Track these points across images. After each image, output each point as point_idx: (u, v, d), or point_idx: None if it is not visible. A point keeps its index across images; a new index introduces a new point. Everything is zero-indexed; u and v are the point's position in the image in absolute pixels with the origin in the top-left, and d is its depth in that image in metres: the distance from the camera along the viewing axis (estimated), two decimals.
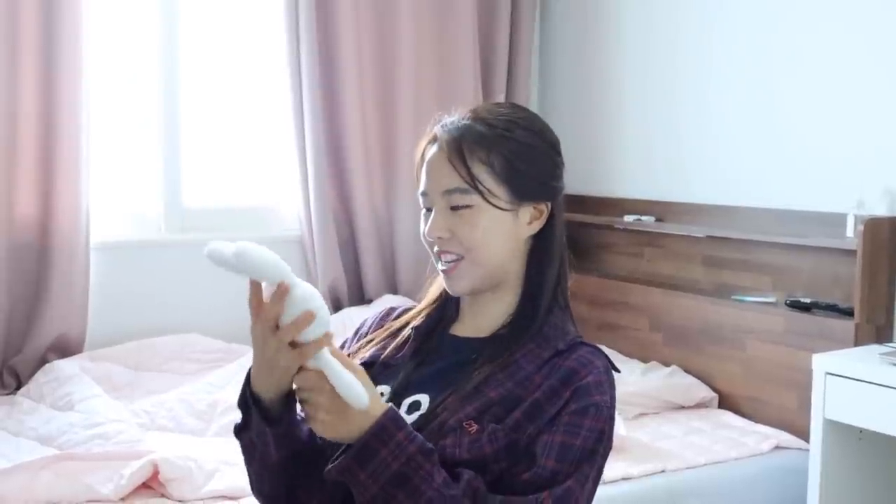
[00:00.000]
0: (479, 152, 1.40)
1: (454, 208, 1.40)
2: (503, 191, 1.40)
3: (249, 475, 1.44)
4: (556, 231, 1.46)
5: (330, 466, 1.28)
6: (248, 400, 1.34)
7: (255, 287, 1.26)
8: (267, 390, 1.32)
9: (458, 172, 1.39)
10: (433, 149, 1.44)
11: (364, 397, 1.25)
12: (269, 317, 1.24)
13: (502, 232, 1.41)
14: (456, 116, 1.45)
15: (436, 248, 1.44)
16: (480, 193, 1.39)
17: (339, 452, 1.29)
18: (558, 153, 1.48)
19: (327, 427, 1.26)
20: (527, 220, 1.44)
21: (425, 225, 1.44)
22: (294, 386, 1.30)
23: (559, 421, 1.32)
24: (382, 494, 1.25)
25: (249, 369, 1.33)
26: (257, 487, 1.45)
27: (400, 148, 4.11)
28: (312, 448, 1.38)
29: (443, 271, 1.44)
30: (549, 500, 1.28)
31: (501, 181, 1.40)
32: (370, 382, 1.30)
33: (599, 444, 1.35)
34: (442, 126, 1.44)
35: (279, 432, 1.34)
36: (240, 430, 1.39)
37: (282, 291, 1.23)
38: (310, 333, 1.25)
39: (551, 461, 1.30)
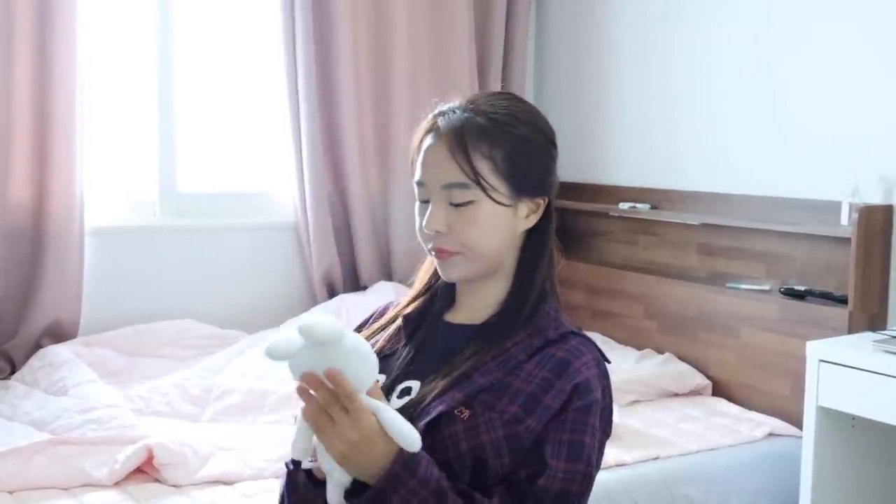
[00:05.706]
0: (481, 146, 1.37)
1: (454, 204, 1.38)
2: (504, 186, 1.38)
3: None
4: (551, 225, 1.46)
5: None
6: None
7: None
8: None
9: (461, 167, 1.36)
10: (431, 139, 1.40)
11: (418, 441, 1.24)
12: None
13: (500, 227, 1.39)
14: (454, 105, 1.42)
15: (430, 244, 1.41)
16: (482, 188, 1.36)
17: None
18: (555, 147, 1.46)
19: (341, 455, 1.24)
20: (525, 215, 1.42)
21: (422, 218, 1.41)
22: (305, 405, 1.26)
23: (565, 419, 1.32)
24: None
25: None
26: None
27: (395, 135, 4.10)
28: None
29: (436, 257, 1.42)
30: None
31: (503, 176, 1.38)
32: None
33: (605, 438, 1.39)
34: (441, 116, 1.41)
35: None
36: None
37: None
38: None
39: (562, 462, 1.30)
